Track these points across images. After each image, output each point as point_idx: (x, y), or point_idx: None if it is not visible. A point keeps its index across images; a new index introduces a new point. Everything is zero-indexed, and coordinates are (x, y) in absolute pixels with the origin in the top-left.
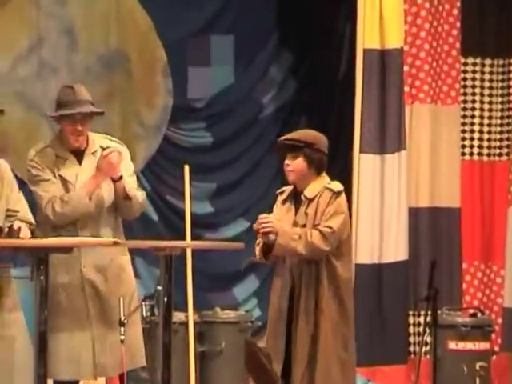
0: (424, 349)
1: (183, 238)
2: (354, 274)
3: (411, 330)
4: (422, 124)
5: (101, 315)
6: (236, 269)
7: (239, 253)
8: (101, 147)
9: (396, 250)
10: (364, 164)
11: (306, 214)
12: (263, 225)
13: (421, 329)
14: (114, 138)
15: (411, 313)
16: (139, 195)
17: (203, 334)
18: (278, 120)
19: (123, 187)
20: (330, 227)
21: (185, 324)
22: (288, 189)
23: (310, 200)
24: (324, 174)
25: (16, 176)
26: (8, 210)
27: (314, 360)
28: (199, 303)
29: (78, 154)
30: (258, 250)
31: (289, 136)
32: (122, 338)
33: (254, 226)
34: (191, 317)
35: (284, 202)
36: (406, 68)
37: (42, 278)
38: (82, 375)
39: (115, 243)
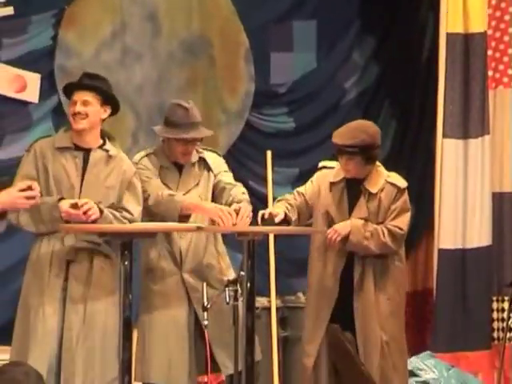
0: (508, 334)
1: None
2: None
3: (495, 315)
4: (506, 108)
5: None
6: None
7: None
8: (200, 158)
9: (480, 235)
10: (447, 149)
11: (368, 208)
12: (331, 236)
13: (505, 314)
14: (210, 148)
15: (495, 298)
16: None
17: (286, 319)
18: (361, 105)
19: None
20: (400, 228)
21: (267, 309)
22: (339, 173)
23: (372, 194)
24: (378, 163)
25: None
26: (122, 207)
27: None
28: (282, 288)
29: (179, 165)
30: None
31: (346, 141)
32: (206, 322)
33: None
34: (274, 302)
35: (332, 185)
36: (489, 52)
37: (126, 263)
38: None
39: (199, 228)
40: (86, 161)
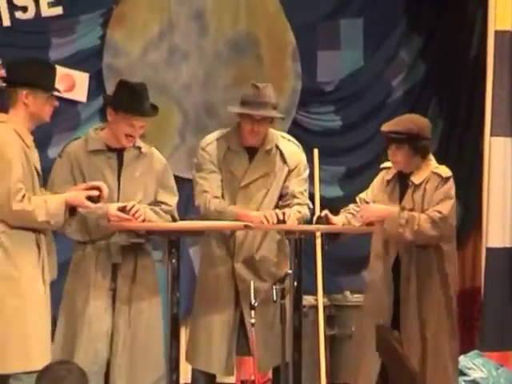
0: None
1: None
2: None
3: None
4: None
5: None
6: (366, 252)
7: (369, 236)
8: (276, 147)
9: None
10: (495, 147)
11: (413, 199)
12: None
13: None
14: (291, 138)
15: None
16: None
17: (333, 317)
18: (407, 103)
19: None
20: (440, 212)
21: (315, 307)
22: (393, 170)
23: (417, 185)
24: (430, 157)
25: None
26: (158, 201)
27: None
28: (329, 287)
29: (252, 151)
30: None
31: (393, 127)
32: (253, 321)
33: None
34: (321, 300)
35: (388, 182)
36: None
37: (173, 261)
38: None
39: (246, 226)
40: (120, 160)
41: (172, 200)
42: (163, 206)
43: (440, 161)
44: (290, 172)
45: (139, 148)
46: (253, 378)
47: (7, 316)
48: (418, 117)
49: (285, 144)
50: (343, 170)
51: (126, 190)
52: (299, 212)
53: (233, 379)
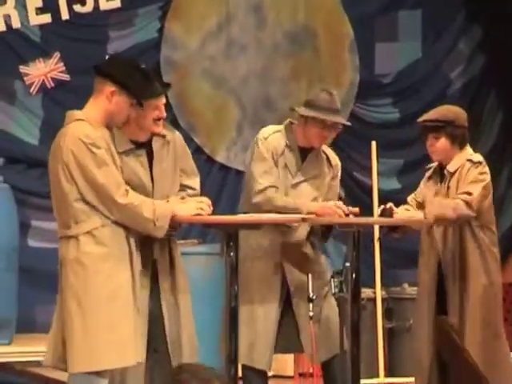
0: None
1: (371, 214)
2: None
3: None
4: None
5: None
6: None
7: None
8: (323, 152)
9: None
10: None
11: (449, 187)
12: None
13: None
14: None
15: None
16: None
17: (391, 310)
18: (466, 95)
19: None
20: (469, 192)
21: (373, 300)
22: (434, 165)
23: (453, 173)
24: (467, 147)
25: (203, 152)
26: (182, 185)
27: (462, 333)
28: (387, 279)
29: (303, 152)
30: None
31: (429, 116)
32: (311, 314)
33: None
34: (379, 293)
35: (429, 178)
36: None
37: (232, 254)
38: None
39: (303, 220)
40: (149, 155)
41: (196, 183)
42: (189, 191)
43: (499, 152)
44: (332, 178)
45: (164, 136)
46: (311, 370)
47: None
48: (453, 106)
49: (328, 150)
50: (401, 162)
51: (159, 185)
52: None
53: (290, 372)
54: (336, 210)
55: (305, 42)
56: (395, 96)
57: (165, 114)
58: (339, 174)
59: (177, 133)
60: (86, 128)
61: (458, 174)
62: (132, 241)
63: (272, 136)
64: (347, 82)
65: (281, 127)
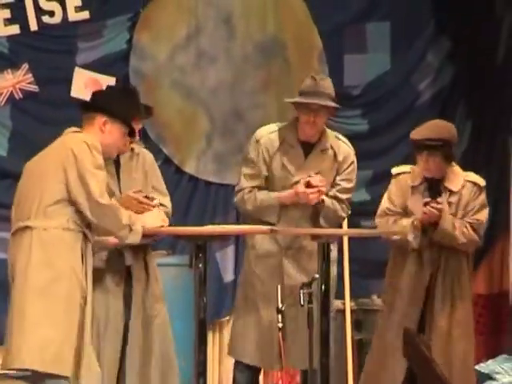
0: None
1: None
2: None
3: None
4: None
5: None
6: None
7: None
8: (331, 147)
9: None
10: None
11: (450, 203)
12: (433, 209)
13: None
14: (345, 140)
15: None
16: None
17: (360, 321)
18: (436, 106)
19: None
20: (479, 220)
21: (342, 311)
22: (418, 175)
23: (453, 191)
24: (453, 163)
25: (173, 163)
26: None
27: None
28: (356, 291)
29: (307, 147)
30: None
31: (426, 135)
32: (280, 325)
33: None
34: (348, 304)
35: (414, 188)
36: None
37: (200, 265)
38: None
39: (272, 231)
40: (116, 165)
41: (167, 201)
42: (161, 208)
43: (469, 164)
44: (338, 173)
45: (132, 149)
46: (280, 383)
47: None
48: (447, 123)
49: (339, 145)
50: (370, 174)
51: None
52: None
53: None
54: (306, 191)
55: (275, 54)
56: (364, 107)
57: (138, 138)
58: (349, 171)
59: (144, 149)
60: (89, 138)
61: (460, 194)
62: (88, 250)
63: (265, 137)
64: None
65: (282, 125)
